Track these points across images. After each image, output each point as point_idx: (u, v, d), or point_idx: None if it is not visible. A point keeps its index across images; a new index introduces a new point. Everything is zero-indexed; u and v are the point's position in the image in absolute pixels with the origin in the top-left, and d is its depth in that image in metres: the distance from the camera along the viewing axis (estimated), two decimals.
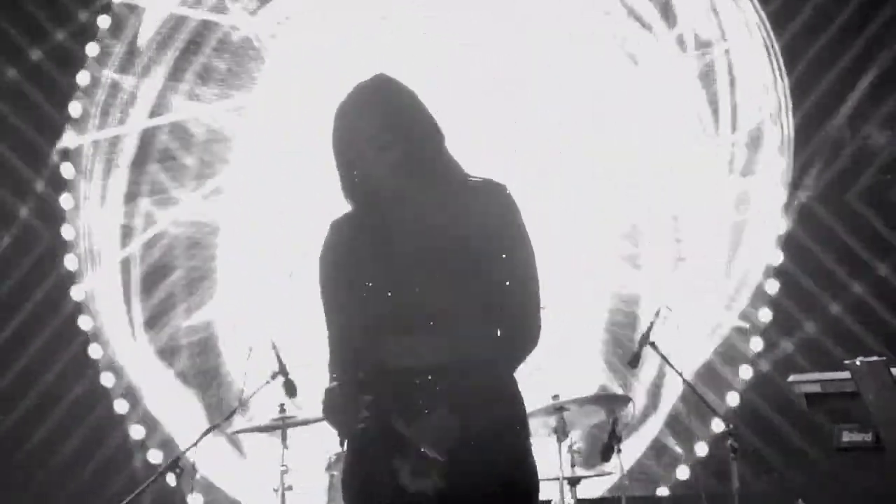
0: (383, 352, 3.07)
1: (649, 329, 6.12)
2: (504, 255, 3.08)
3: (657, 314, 6.26)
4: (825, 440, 7.63)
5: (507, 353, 3.10)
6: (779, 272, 8.14)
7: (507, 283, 3.07)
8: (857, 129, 8.27)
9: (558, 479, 6.01)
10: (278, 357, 6.38)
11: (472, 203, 3.10)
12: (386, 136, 3.07)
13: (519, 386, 3.14)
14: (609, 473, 6.31)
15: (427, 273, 3.04)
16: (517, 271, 3.10)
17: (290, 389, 6.34)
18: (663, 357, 6.18)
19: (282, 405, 6.46)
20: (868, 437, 4.80)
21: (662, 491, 7.81)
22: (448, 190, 3.13)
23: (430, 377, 3.02)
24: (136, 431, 7.91)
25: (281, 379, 6.32)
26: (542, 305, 3.16)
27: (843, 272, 8.17)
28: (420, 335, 3.03)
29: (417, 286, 3.04)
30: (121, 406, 7.94)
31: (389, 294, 3.05)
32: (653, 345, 6.08)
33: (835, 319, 8.12)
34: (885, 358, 4.71)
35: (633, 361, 6.04)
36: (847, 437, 4.90)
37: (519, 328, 3.11)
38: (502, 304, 3.08)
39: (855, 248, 8.22)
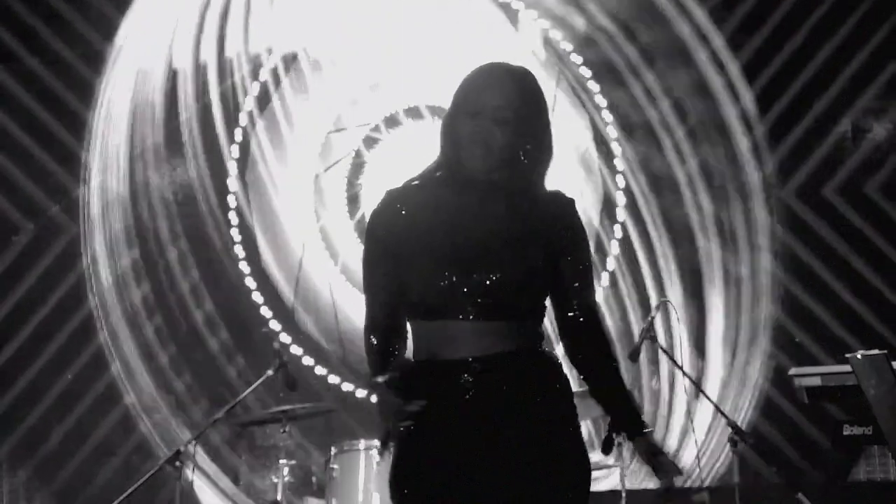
0: (437, 340, 3.03)
1: (650, 323, 6.12)
2: (570, 258, 3.10)
3: (657, 308, 6.27)
4: (826, 433, 7.68)
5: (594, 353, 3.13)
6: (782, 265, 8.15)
7: (574, 284, 3.10)
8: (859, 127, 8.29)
9: None
10: (279, 351, 6.39)
11: (547, 205, 3.11)
12: (509, 114, 3.04)
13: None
14: (610, 466, 6.32)
15: (495, 260, 3.01)
16: (584, 274, 3.13)
17: (291, 382, 6.36)
18: (664, 350, 6.19)
19: (282, 397, 6.46)
20: (868, 430, 4.80)
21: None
22: (528, 190, 3.11)
23: (480, 368, 2.99)
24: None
25: (282, 372, 6.34)
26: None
27: (850, 263, 8.17)
28: (478, 323, 3.00)
29: (483, 272, 3.01)
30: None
31: (452, 275, 3.00)
32: (653, 338, 6.09)
33: (840, 312, 8.12)
34: (885, 352, 4.72)
35: (633, 355, 6.04)
36: (847, 430, 4.90)
37: (596, 335, 3.13)
38: (568, 304, 3.11)
39: (872, 238, 8.21)
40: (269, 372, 6.36)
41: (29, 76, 8.30)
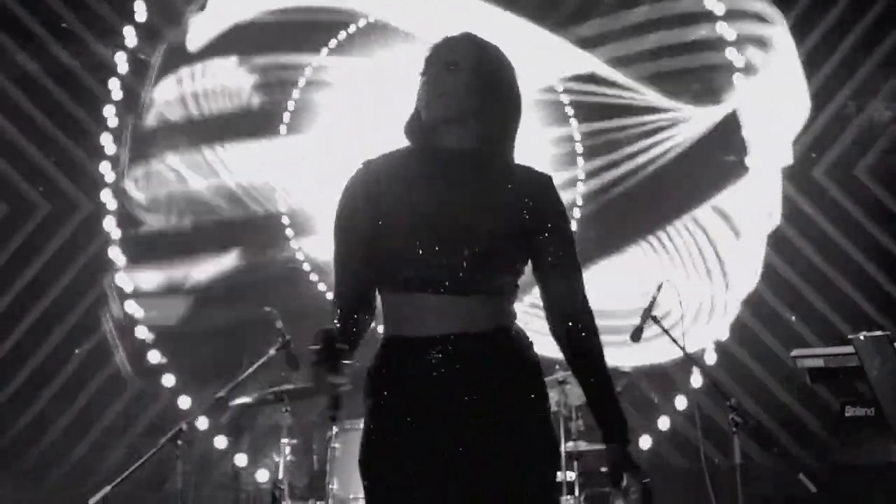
0: (407, 315, 2.99)
1: (651, 303, 6.11)
2: (549, 238, 3.05)
3: (659, 288, 6.25)
4: (828, 414, 7.69)
5: (578, 330, 3.08)
6: (781, 248, 8.16)
7: (553, 255, 3.05)
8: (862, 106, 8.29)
9: (561, 453, 6.02)
10: (281, 330, 6.38)
11: (522, 180, 3.08)
12: (458, 60, 3.04)
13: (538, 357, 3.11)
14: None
15: (467, 233, 2.97)
16: (565, 245, 3.08)
17: (293, 362, 6.35)
18: (665, 331, 6.17)
19: (284, 376, 6.44)
20: (870, 411, 4.80)
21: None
22: (499, 158, 3.09)
23: (450, 346, 2.96)
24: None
25: (284, 351, 6.33)
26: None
27: (847, 246, 8.18)
28: (449, 298, 2.96)
29: (455, 244, 2.96)
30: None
31: (423, 247, 2.97)
32: (655, 319, 6.07)
33: (840, 294, 8.14)
34: (888, 333, 4.71)
35: (636, 335, 6.03)
36: (850, 411, 4.90)
37: (578, 307, 3.09)
38: (552, 292, 3.07)
39: (861, 222, 8.23)
40: (272, 351, 6.35)
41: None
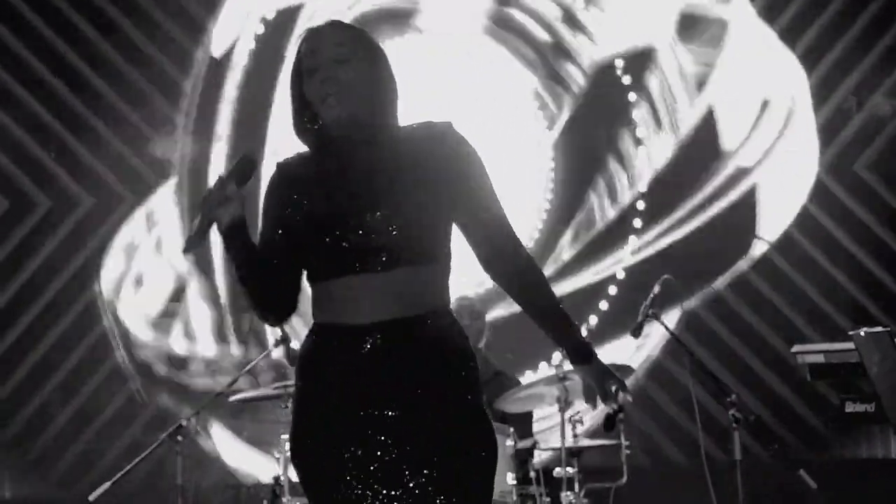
0: (339, 300, 2.98)
1: (652, 299, 6.10)
2: (459, 173, 3.03)
3: (659, 284, 6.24)
4: (828, 410, 7.69)
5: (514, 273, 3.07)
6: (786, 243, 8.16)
7: (478, 213, 3.04)
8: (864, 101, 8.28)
9: (561, 449, 6.01)
10: (281, 325, 6.37)
11: (423, 137, 3.06)
12: (345, 51, 3.04)
13: (469, 342, 3.09)
14: (612, 444, 6.31)
15: (383, 202, 2.97)
16: (485, 199, 3.06)
17: (292, 358, 6.34)
18: (666, 327, 6.17)
19: (284, 372, 6.44)
20: (871, 408, 4.79)
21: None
22: (391, 128, 3.09)
23: (379, 334, 2.94)
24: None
25: (283, 346, 6.33)
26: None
27: (850, 243, 8.18)
28: (380, 275, 2.94)
29: (373, 214, 2.96)
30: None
31: (344, 226, 2.97)
32: (655, 315, 6.07)
33: (840, 289, 8.13)
34: (889, 328, 4.71)
35: (636, 332, 6.02)
36: (850, 407, 4.89)
37: (510, 243, 3.06)
38: (478, 234, 3.05)
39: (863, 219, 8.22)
40: (271, 347, 6.35)
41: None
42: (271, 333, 6.61)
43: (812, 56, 8.33)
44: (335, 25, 3.13)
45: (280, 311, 3.13)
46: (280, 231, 3.05)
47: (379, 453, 2.93)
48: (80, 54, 8.19)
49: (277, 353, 6.46)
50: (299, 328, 6.35)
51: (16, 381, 8.03)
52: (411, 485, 2.93)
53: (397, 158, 3.02)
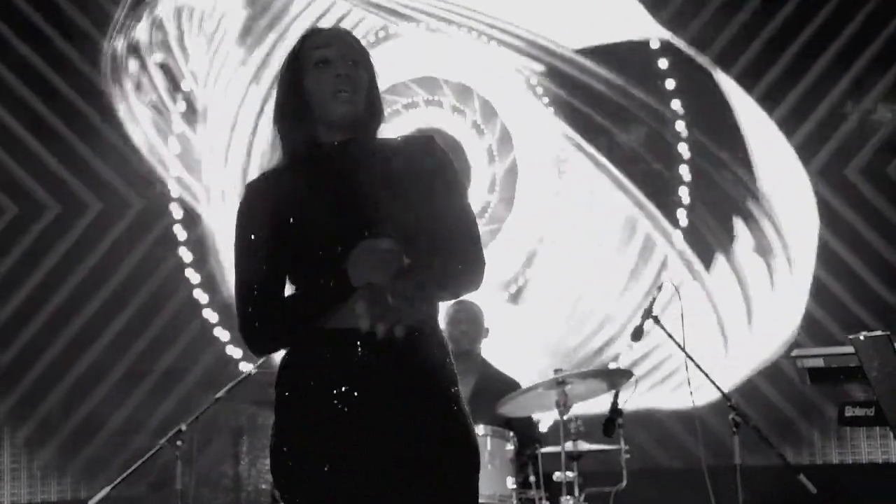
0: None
1: (652, 303, 6.11)
2: (440, 199, 3.03)
3: (660, 288, 6.25)
4: (828, 415, 7.69)
5: (448, 276, 3.01)
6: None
7: (444, 220, 3.02)
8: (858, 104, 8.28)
9: (560, 453, 6.02)
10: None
11: (406, 151, 3.07)
12: (359, 55, 3.07)
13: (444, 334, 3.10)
14: (611, 448, 6.31)
15: (370, 214, 2.96)
16: (453, 209, 3.05)
17: None
18: (666, 332, 6.17)
19: None
20: (870, 412, 4.78)
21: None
22: (374, 142, 3.11)
23: (367, 340, 2.90)
24: None
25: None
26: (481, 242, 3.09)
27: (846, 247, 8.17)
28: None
29: (361, 228, 2.95)
30: None
31: (331, 240, 2.95)
32: (655, 319, 6.07)
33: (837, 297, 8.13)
34: (888, 333, 4.70)
35: (636, 335, 6.02)
36: (849, 411, 4.88)
37: (459, 253, 3.02)
38: (441, 239, 3.01)
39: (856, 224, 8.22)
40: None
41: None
42: None
43: (804, 61, 8.32)
44: (345, 30, 3.18)
45: (282, 340, 3.09)
46: (273, 247, 3.00)
47: (366, 458, 2.92)
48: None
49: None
50: None
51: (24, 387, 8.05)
52: (396, 489, 2.93)
53: (391, 171, 3.03)
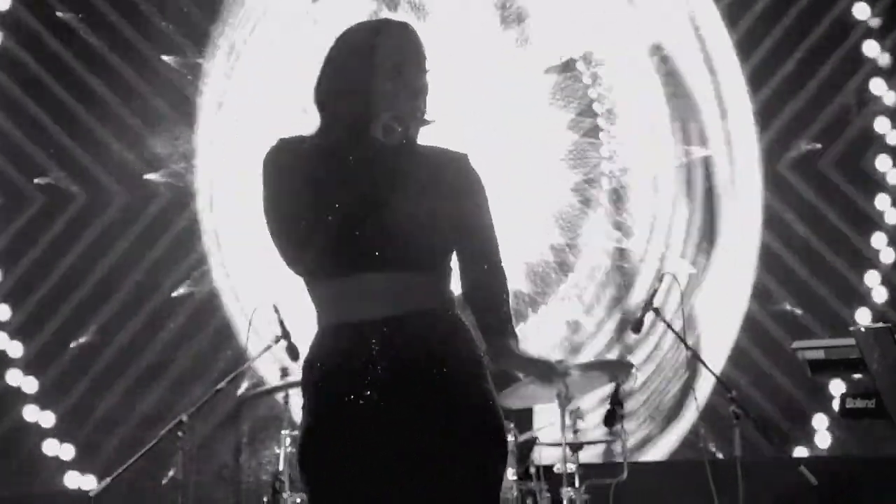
0: (346, 299, 2.98)
1: (652, 295, 6.11)
2: (467, 222, 3.06)
3: (660, 280, 6.25)
4: (828, 406, 7.69)
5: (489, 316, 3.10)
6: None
7: (471, 241, 3.07)
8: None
9: (561, 444, 6.01)
10: (281, 321, 6.37)
11: (440, 162, 3.07)
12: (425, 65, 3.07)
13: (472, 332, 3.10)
14: (612, 440, 6.31)
15: (393, 208, 2.96)
16: (482, 231, 3.09)
17: (293, 353, 6.35)
18: (666, 323, 6.17)
19: (284, 368, 6.44)
20: (871, 403, 4.79)
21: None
22: (415, 149, 3.09)
23: (385, 329, 2.94)
24: None
25: (284, 342, 6.33)
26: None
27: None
28: (386, 275, 2.95)
29: (380, 218, 2.96)
30: None
31: (351, 225, 2.95)
32: (656, 311, 6.07)
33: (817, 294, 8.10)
34: (889, 324, 4.70)
35: (636, 327, 6.03)
36: (850, 403, 4.89)
37: (492, 296, 3.10)
38: (465, 261, 3.07)
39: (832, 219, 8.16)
40: (271, 342, 6.35)
41: None
42: (270, 329, 6.58)
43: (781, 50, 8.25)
44: (412, 31, 3.11)
45: None
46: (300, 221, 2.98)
47: (388, 450, 2.93)
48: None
49: (279, 349, 6.45)
50: (296, 324, 6.35)
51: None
52: (420, 482, 2.93)
53: (425, 176, 3.02)
